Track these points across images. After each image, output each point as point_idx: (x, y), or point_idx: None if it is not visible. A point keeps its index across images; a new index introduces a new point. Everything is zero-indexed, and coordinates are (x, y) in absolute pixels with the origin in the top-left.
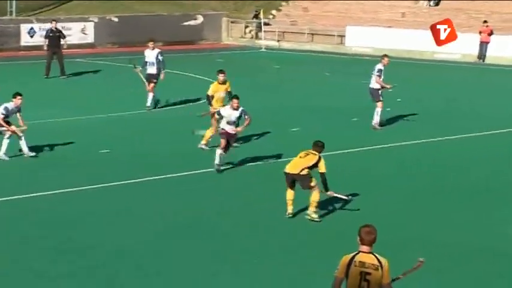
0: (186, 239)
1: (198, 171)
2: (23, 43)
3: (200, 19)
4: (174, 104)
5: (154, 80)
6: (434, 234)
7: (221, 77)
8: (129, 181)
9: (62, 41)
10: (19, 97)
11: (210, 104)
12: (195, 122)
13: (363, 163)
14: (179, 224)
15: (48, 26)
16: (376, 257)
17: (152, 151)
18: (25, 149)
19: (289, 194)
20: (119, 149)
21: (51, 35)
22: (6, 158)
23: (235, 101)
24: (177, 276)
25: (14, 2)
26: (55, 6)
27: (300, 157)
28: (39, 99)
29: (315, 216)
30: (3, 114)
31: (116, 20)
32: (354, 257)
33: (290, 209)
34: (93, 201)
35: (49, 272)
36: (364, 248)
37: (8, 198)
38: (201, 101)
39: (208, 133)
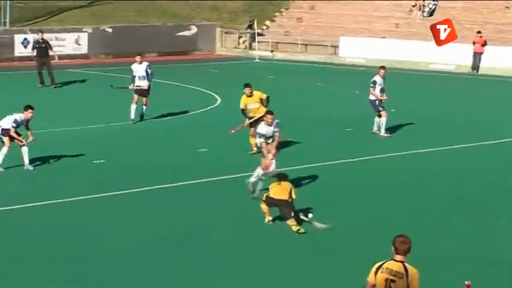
0: (180, 247)
1: (193, 182)
2: (16, 53)
3: (194, 30)
4: (172, 114)
5: (147, 94)
6: (429, 241)
7: (247, 90)
8: (123, 191)
9: (51, 52)
10: (30, 110)
11: (245, 116)
12: (197, 135)
13: (358, 173)
14: (173, 233)
15: (35, 36)
16: (404, 266)
17: (147, 161)
18: (26, 160)
19: (265, 207)
20: (114, 159)
21: (37, 46)
22: (1, 169)
23: (269, 116)
24: (171, 284)
25: (7, 13)
26: (49, 16)
27: (279, 184)
28: (39, 109)
29: (299, 227)
30: (13, 127)
31: (110, 30)
32: (384, 263)
33: (269, 218)
34: (88, 211)
35: (47, 278)
36: (398, 257)
37: (1, 208)
38: (192, 112)
39: (253, 140)
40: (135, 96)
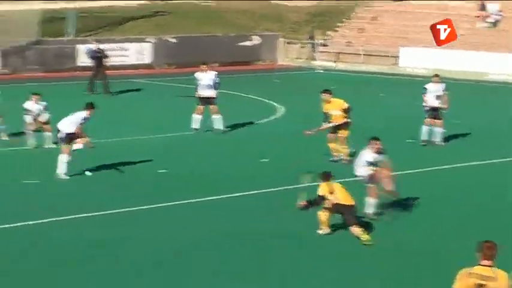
0: (232, 253)
1: (254, 192)
2: (79, 63)
3: (256, 40)
4: (234, 124)
5: (214, 102)
6: None
7: (323, 96)
8: (185, 201)
9: (106, 61)
10: (93, 109)
11: (324, 120)
12: (259, 145)
13: (420, 185)
14: (231, 240)
15: (92, 46)
16: (493, 270)
17: (209, 171)
18: (63, 167)
19: (325, 216)
20: (177, 168)
21: (94, 55)
22: (67, 177)
23: (377, 143)
24: None
25: (72, 23)
26: (113, 26)
27: (343, 187)
28: (97, 118)
29: (366, 236)
30: (81, 124)
31: (173, 40)
32: (472, 269)
33: (327, 229)
34: (150, 220)
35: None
36: (485, 262)
37: (65, 217)
38: (254, 122)
39: (335, 146)
40: (200, 106)
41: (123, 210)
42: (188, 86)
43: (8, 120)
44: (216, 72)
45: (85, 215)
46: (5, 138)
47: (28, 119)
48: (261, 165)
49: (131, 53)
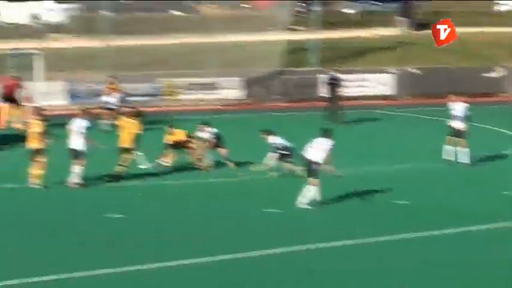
0: None
1: (495, 226)
2: (320, 93)
3: (501, 71)
4: (478, 156)
5: (462, 136)
6: None
7: None
8: (421, 233)
9: (339, 90)
10: (332, 135)
11: None
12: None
13: None
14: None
15: (330, 75)
16: None
17: (451, 204)
18: (307, 197)
19: None
20: (419, 200)
21: (329, 83)
22: (309, 207)
23: None
24: None
25: (314, 54)
26: (354, 57)
27: None
28: (337, 148)
29: None
30: (330, 151)
31: (416, 71)
32: None
33: None
34: (382, 253)
35: None
36: None
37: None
38: (497, 154)
39: None
40: (450, 137)
41: (359, 241)
42: (433, 117)
43: (239, 149)
44: (468, 105)
45: (325, 244)
46: (233, 167)
47: (271, 154)
48: (505, 198)
49: (372, 83)
